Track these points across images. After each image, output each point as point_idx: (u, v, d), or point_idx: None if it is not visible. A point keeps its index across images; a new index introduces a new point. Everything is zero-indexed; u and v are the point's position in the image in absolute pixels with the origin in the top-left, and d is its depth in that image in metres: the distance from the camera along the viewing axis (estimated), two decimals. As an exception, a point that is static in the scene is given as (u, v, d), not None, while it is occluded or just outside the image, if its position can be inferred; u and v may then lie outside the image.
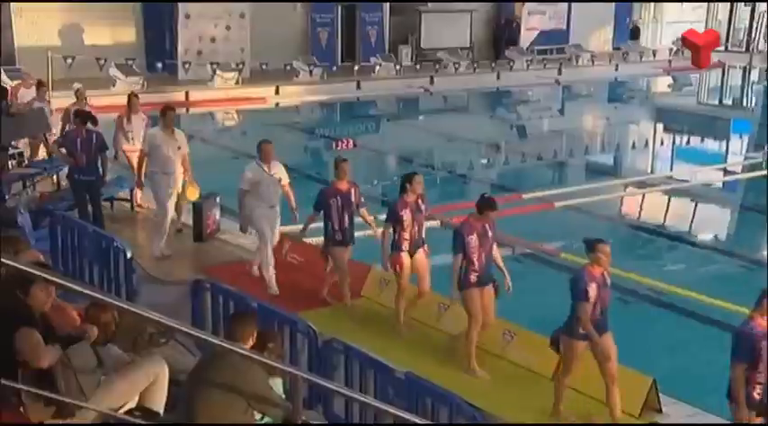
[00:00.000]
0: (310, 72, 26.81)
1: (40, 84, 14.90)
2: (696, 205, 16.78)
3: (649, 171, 20.33)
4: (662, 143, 23.99)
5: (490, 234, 8.32)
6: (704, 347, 9.90)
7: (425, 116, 27.36)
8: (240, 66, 26.08)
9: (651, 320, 10.70)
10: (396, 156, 20.57)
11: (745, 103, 32.25)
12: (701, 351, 8.94)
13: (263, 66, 25.93)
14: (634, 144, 23.24)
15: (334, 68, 27.98)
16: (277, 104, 25.46)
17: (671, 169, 20.41)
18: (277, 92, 25.71)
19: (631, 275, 11.74)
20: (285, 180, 10.15)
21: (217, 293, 7.78)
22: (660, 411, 7.59)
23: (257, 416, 5.23)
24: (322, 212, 9.55)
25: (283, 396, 5.50)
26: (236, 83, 25.69)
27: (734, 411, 6.65)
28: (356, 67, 28.36)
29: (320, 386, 5.42)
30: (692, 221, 15.98)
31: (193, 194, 11.49)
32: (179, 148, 11.05)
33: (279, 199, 10.15)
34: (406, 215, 8.81)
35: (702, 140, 24.64)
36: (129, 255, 8.66)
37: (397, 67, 28.91)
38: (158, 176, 10.98)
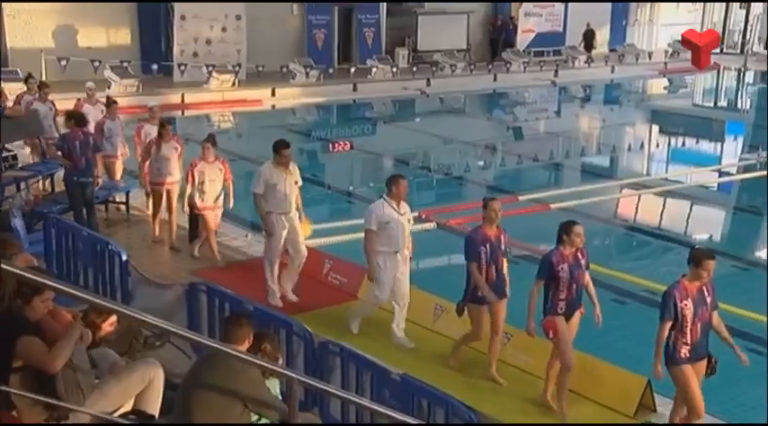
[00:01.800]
0: (307, 74, 26.80)
1: (42, 86, 14.79)
2: (691, 206, 16.80)
3: (645, 172, 20.35)
4: (657, 145, 24.02)
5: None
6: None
7: (422, 118, 27.37)
8: (236, 68, 26.06)
9: (647, 320, 10.67)
10: (392, 158, 20.58)
11: (739, 105, 32.31)
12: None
13: (260, 68, 25.91)
14: (630, 145, 23.29)
15: (331, 70, 28.01)
16: (273, 106, 25.45)
17: (666, 171, 20.43)
18: (273, 94, 25.69)
19: (627, 276, 11.77)
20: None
21: (213, 295, 7.77)
22: (655, 410, 7.61)
23: (253, 417, 5.22)
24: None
25: (279, 398, 5.50)
26: (232, 85, 25.66)
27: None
28: (353, 69, 28.36)
29: (316, 387, 5.43)
30: (687, 222, 16.01)
31: (307, 231, 10.36)
32: (296, 183, 9.86)
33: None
34: (564, 270, 7.51)
35: (697, 142, 24.69)
36: (125, 258, 8.65)
37: (394, 69, 28.91)
38: (274, 217, 9.68)
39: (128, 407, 5.43)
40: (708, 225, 15.93)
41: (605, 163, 21.52)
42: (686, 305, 6.70)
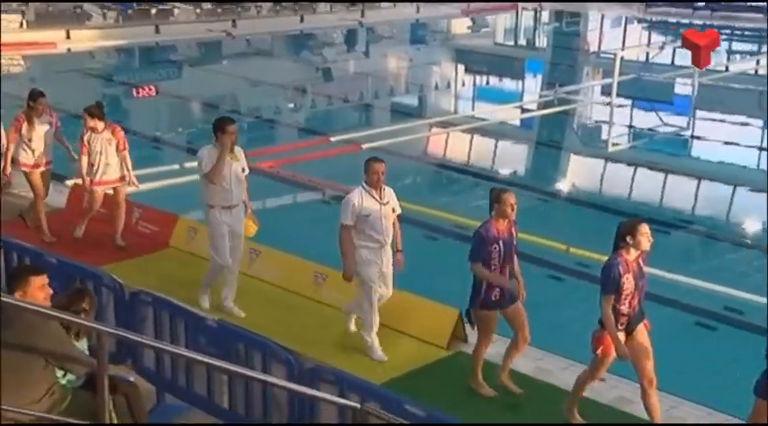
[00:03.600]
0: (104, 15, 25.46)
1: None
2: (497, 143, 17.43)
3: (452, 111, 20.89)
4: (463, 83, 24.67)
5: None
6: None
7: (229, 60, 26.72)
8: (23, 6, 24.31)
9: (456, 253, 11.02)
10: (201, 103, 20.03)
11: (537, 44, 33.67)
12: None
13: (49, 8, 24.31)
14: (437, 84, 23.78)
15: (130, 11, 26.69)
16: (69, 50, 24.05)
17: (473, 109, 21.05)
18: (68, 36, 24.25)
19: (438, 212, 12.08)
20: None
21: (10, 249, 7.30)
22: (466, 341, 7.88)
23: (58, 373, 4.97)
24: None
25: (87, 352, 5.26)
26: (21, 26, 23.96)
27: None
28: (153, 11, 27.19)
29: (128, 339, 5.23)
30: (493, 158, 16.61)
31: (251, 230, 8.52)
32: (243, 171, 8.23)
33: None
34: (628, 280, 6.26)
35: (500, 80, 25.58)
36: None
37: (198, 11, 27.96)
38: (217, 212, 8.12)
39: None
40: (512, 160, 16.58)
41: (414, 102, 21.88)
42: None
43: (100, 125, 9.57)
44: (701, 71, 20.17)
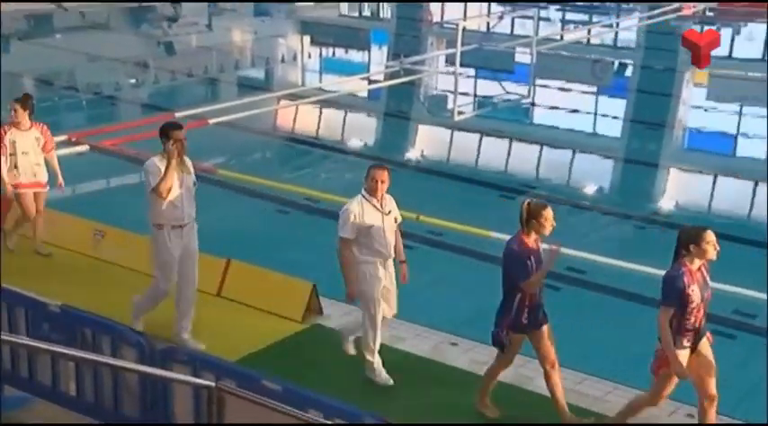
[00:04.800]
0: None
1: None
2: (345, 114, 17.46)
3: (300, 83, 20.75)
4: (309, 55, 24.54)
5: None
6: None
7: (63, 34, 25.49)
8: None
9: (308, 227, 11.04)
10: (33, 79, 19.03)
11: (381, 15, 33.85)
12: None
13: None
14: (283, 57, 23.56)
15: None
16: None
17: (320, 80, 20.98)
18: None
19: (288, 186, 12.02)
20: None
21: None
22: (321, 313, 7.90)
23: None
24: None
25: None
26: None
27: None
28: (-23, -18, 25.58)
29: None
30: (342, 130, 16.64)
31: None
32: (194, 184, 7.31)
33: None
34: (694, 292, 5.69)
35: (346, 51, 25.59)
36: None
37: (26, -18, 26.51)
38: (166, 232, 7.13)
39: None
40: (361, 132, 16.67)
41: (261, 75, 21.62)
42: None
43: (27, 121, 8.70)
44: (537, 40, 20.88)
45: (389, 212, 6.75)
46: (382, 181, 6.65)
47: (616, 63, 23.74)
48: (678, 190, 13.97)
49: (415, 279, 7.04)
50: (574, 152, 15.13)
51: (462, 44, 19.40)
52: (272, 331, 7.64)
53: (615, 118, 18.08)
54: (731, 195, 13.49)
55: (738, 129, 17.30)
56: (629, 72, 23.08)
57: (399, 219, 6.92)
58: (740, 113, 18.42)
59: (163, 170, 6.95)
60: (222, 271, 8.23)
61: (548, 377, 6.31)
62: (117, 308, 7.21)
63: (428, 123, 17.36)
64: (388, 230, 6.71)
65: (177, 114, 15.37)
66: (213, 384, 4.63)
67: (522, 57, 21.97)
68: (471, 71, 20.81)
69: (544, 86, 20.20)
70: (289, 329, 7.67)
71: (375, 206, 6.69)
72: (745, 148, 16.39)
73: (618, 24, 25.79)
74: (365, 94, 19.55)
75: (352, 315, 7.50)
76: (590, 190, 13.22)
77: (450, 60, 20.76)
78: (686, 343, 5.71)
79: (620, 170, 15.01)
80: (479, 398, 6.54)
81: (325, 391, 5.18)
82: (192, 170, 7.26)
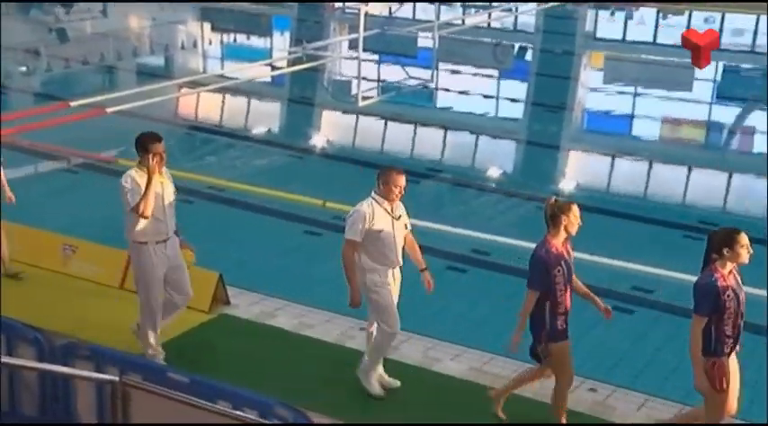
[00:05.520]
0: None
1: None
2: (249, 101, 17.25)
3: (201, 70, 20.39)
4: (210, 42, 24.15)
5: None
6: (269, 234, 10.40)
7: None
8: None
9: (212, 216, 10.90)
10: None
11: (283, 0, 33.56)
12: (264, 239, 9.33)
13: None
14: (183, 44, 23.12)
15: None
16: None
17: (222, 67, 20.67)
18: None
19: (191, 175, 11.80)
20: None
21: None
22: (228, 303, 7.80)
23: None
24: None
25: None
26: None
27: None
28: None
29: None
30: (246, 117, 16.44)
31: (188, 260, 7.11)
32: (175, 193, 6.75)
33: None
34: (729, 298, 5.36)
35: (248, 38, 25.28)
36: None
37: None
38: (150, 248, 6.61)
39: None
40: (265, 118, 16.50)
41: (160, 62, 21.16)
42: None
43: None
44: (439, 24, 21.05)
45: (399, 217, 6.37)
46: (403, 188, 6.27)
47: (516, 47, 24.14)
48: (578, 170, 14.32)
49: (324, 266, 7.02)
50: (477, 135, 15.33)
51: (365, 29, 19.39)
52: (179, 322, 7.46)
53: (516, 101, 18.39)
54: (628, 174, 13.90)
55: (633, 110, 17.84)
56: (529, 55, 23.50)
57: (409, 226, 6.50)
58: (635, 95, 18.98)
59: (142, 185, 6.39)
60: (125, 263, 8.03)
61: (557, 388, 6.04)
62: (95, 329, 6.96)
63: (333, 109, 17.32)
64: (398, 236, 6.33)
65: (72, 103, 14.96)
66: (117, 378, 4.51)
67: (425, 41, 22.11)
68: (375, 56, 20.84)
69: (447, 70, 20.39)
70: (195, 320, 7.54)
71: (386, 210, 6.29)
72: (641, 129, 16.89)
73: (517, 8, 26.18)
74: (268, 81, 19.35)
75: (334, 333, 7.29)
76: (494, 172, 13.41)
77: (353, 46, 20.73)
78: (726, 351, 5.42)
79: (522, 152, 15.28)
80: (496, 397, 6.26)
81: (234, 381, 5.11)
82: (169, 179, 6.68)
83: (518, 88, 19.80)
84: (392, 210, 6.30)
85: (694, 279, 5.44)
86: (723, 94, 19.20)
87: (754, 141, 16.12)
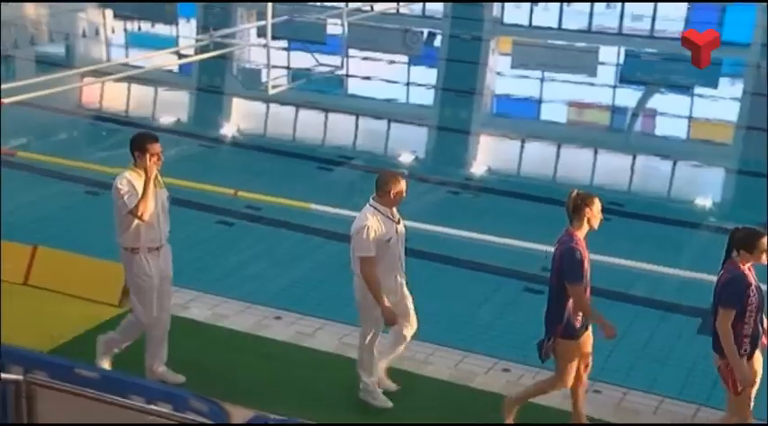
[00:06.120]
0: None
1: None
2: (156, 90, 16.89)
3: (104, 59, 19.86)
4: (113, 30, 23.55)
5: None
6: (180, 225, 10.19)
7: None
8: None
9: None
10: None
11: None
12: (176, 230, 9.11)
13: None
14: (84, 32, 22.50)
15: None
16: None
17: (126, 56, 20.17)
18: None
19: (96, 166, 11.54)
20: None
21: None
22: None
23: None
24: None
25: None
26: None
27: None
28: None
29: None
30: (154, 107, 16.11)
31: None
32: (168, 199, 6.42)
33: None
34: (753, 294, 5.32)
35: (153, 25, 24.72)
36: None
37: None
38: (143, 255, 6.26)
39: None
40: (173, 108, 16.20)
41: (60, 51, 20.54)
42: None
43: None
44: (348, 11, 20.97)
45: (399, 220, 6.22)
46: (403, 192, 6.15)
47: (425, 33, 24.26)
48: (488, 154, 14.51)
49: (235, 255, 6.94)
50: (389, 121, 15.36)
51: (273, 16, 19.18)
52: (88, 317, 7.31)
53: (427, 86, 18.49)
54: (536, 157, 14.15)
55: (541, 95, 18.16)
56: (438, 41, 23.64)
57: (404, 229, 6.31)
58: (542, 79, 19.32)
59: (139, 189, 6.04)
60: (28, 259, 7.79)
61: (576, 383, 5.89)
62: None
63: (243, 97, 17.12)
64: (400, 240, 6.19)
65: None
66: (21, 377, 4.36)
67: (334, 28, 22.00)
68: (284, 43, 20.65)
69: (357, 57, 20.35)
70: (105, 314, 7.36)
71: (389, 216, 6.13)
72: (548, 112, 17.20)
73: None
74: (176, 69, 18.97)
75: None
76: (405, 158, 13.46)
77: (261, 33, 20.49)
78: (742, 352, 5.33)
79: (433, 137, 15.39)
80: (507, 408, 5.98)
81: (142, 373, 5.01)
82: (162, 183, 6.34)
83: (428, 74, 19.92)
84: (392, 215, 6.17)
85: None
86: (625, 79, 19.74)
87: (656, 123, 16.62)
